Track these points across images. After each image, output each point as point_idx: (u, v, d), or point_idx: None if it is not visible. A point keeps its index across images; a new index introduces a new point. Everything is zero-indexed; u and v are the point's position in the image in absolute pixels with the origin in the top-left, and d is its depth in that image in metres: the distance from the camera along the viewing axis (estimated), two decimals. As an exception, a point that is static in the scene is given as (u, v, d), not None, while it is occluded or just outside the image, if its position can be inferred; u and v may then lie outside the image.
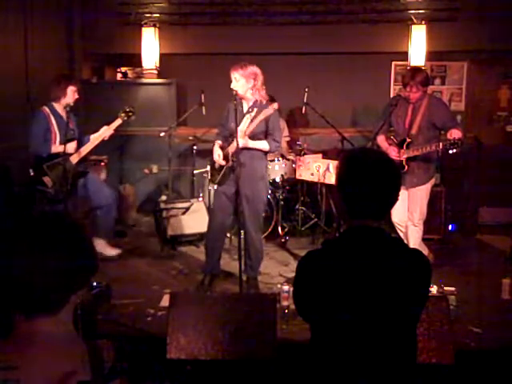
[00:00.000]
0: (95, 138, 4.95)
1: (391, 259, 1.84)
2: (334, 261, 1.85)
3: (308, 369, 1.92)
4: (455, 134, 4.30)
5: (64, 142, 4.63)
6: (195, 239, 5.80)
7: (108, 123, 4.98)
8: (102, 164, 5.93)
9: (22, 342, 1.24)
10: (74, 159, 4.84)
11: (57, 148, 4.74)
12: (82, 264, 1.31)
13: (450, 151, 4.29)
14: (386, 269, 1.81)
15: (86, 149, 4.92)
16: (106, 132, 4.95)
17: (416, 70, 4.75)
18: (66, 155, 4.65)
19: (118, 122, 4.96)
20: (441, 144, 4.33)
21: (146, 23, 6.93)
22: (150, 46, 6.95)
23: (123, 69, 7.46)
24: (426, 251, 4.79)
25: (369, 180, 1.85)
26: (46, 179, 4.68)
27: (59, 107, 4.83)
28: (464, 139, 4.39)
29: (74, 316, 1.33)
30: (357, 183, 1.86)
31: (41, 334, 1.26)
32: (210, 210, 4.42)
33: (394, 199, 1.91)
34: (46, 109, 4.79)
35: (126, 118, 4.99)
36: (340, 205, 1.95)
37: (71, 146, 4.77)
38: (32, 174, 4.61)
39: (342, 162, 1.96)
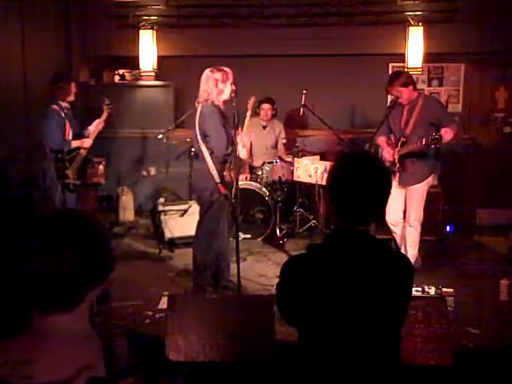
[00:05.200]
0: (93, 132, 5.22)
1: (374, 262, 1.84)
2: (317, 264, 1.86)
3: (296, 370, 1.92)
4: (444, 132, 4.32)
5: (74, 136, 5.07)
6: (192, 241, 5.79)
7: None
8: (100, 166, 5.93)
9: (37, 337, 1.25)
10: (84, 151, 5.16)
11: (74, 143, 5.06)
12: (99, 263, 1.31)
13: (432, 146, 4.32)
14: (368, 272, 1.82)
15: (89, 141, 5.18)
16: (99, 125, 5.27)
17: (393, 75, 4.83)
18: (78, 149, 5.07)
19: (106, 113, 5.31)
20: (424, 140, 4.37)
21: (143, 26, 6.92)
22: (148, 48, 6.95)
23: (121, 71, 7.44)
24: (414, 256, 4.81)
25: (356, 183, 1.85)
26: (69, 172, 4.97)
27: (64, 104, 5.02)
28: (458, 135, 4.43)
29: (90, 313, 1.34)
30: (344, 186, 1.87)
31: (56, 329, 1.26)
32: (215, 217, 4.42)
33: (381, 203, 1.91)
34: (56, 107, 4.94)
35: (109, 110, 5.32)
36: (330, 206, 1.97)
37: (86, 142, 5.15)
38: (56, 169, 4.79)
39: (333, 164, 1.97)
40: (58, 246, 1.25)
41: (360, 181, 1.85)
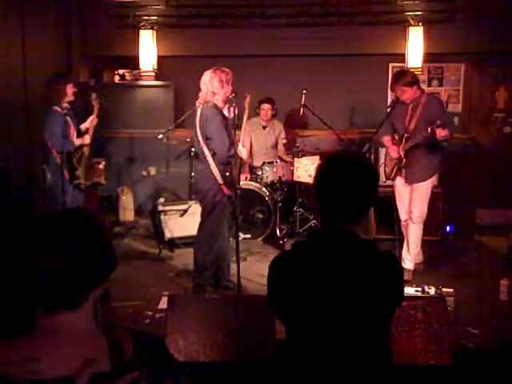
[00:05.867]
0: (89, 128, 5.22)
1: (359, 261, 1.85)
2: (302, 262, 1.87)
3: (284, 368, 1.92)
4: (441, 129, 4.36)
5: (77, 135, 5.09)
6: (193, 241, 5.79)
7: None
8: (101, 166, 5.93)
9: (42, 335, 1.26)
10: (86, 150, 5.18)
11: (77, 141, 5.08)
12: (101, 261, 1.32)
13: (438, 133, 4.30)
14: (352, 270, 1.82)
15: (88, 138, 5.18)
16: (93, 121, 5.26)
17: (399, 73, 4.88)
18: (81, 148, 5.10)
19: (96, 108, 5.28)
20: (429, 129, 4.38)
21: (143, 26, 6.92)
22: (148, 48, 6.94)
23: (121, 71, 7.44)
24: (415, 254, 4.84)
25: (341, 183, 1.86)
26: (79, 173, 5.02)
27: (64, 105, 5.03)
28: (453, 137, 4.48)
29: (94, 310, 1.35)
30: (329, 185, 1.89)
31: (61, 328, 1.27)
32: (218, 218, 4.42)
33: (367, 204, 1.92)
34: (57, 108, 4.95)
35: (99, 104, 5.30)
36: (316, 205, 1.98)
37: (86, 139, 5.15)
38: (66, 172, 4.93)
39: (320, 163, 2.00)
40: (61, 245, 1.26)
41: (344, 180, 1.86)
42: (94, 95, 5.32)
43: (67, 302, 1.28)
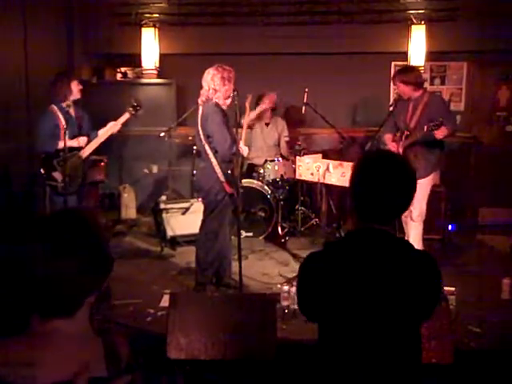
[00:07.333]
0: (103, 134, 5.01)
1: (395, 260, 1.82)
2: (337, 261, 1.84)
3: (315, 369, 1.91)
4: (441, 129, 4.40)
5: (72, 137, 4.79)
6: (195, 239, 5.79)
7: (115, 119, 5.06)
8: (102, 164, 5.93)
9: (37, 338, 1.26)
10: (84, 153, 4.94)
11: (66, 143, 4.73)
12: (98, 267, 1.31)
13: (434, 132, 4.37)
14: (389, 269, 1.80)
15: (94, 144, 4.98)
16: (113, 127, 5.01)
17: (405, 69, 4.92)
18: (76, 150, 4.85)
19: (126, 116, 5.02)
20: (425, 127, 4.40)
21: (145, 23, 6.93)
22: (150, 46, 6.95)
23: (123, 69, 7.44)
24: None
25: (379, 184, 1.82)
26: (57, 174, 4.79)
27: (65, 104, 4.83)
28: (450, 135, 4.52)
29: (90, 314, 1.34)
30: (366, 185, 1.84)
31: (57, 332, 1.26)
32: (220, 216, 4.41)
33: (404, 205, 1.88)
34: (54, 107, 4.82)
35: (133, 113, 5.03)
36: (350, 206, 1.93)
37: (81, 141, 4.90)
38: (42, 170, 4.78)
39: (356, 163, 1.93)
40: (58, 251, 1.24)
41: (387, 181, 1.82)
42: (135, 101, 5.00)
43: (63, 310, 1.27)
